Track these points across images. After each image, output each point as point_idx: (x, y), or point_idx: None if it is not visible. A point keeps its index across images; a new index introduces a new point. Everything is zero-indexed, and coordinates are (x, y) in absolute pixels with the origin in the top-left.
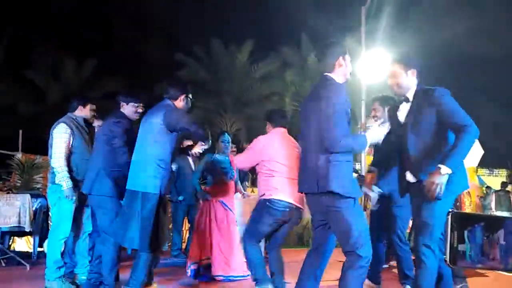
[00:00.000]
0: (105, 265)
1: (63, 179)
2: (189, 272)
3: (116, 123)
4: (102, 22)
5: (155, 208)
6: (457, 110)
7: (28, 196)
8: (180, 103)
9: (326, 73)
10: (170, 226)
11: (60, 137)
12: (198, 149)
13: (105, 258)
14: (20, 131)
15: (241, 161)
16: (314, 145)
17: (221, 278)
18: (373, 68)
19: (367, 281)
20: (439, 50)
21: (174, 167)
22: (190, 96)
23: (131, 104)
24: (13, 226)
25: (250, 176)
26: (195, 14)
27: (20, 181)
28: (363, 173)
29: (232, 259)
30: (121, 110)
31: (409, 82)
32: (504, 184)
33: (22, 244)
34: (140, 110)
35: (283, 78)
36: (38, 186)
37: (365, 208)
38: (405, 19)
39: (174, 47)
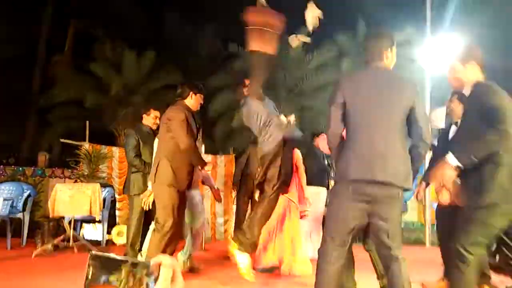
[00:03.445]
0: None
1: None
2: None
3: None
4: (156, 18)
5: None
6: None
7: (98, 185)
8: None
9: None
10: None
11: None
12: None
13: None
14: (87, 122)
15: None
16: (391, 131)
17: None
18: (439, 56)
19: None
20: None
21: None
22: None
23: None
24: (85, 215)
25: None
26: (247, 4)
27: (87, 170)
28: None
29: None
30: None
31: (468, 76)
32: None
33: (90, 230)
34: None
35: (339, 67)
36: (104, 175)
37: None
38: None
39: (227, 38)
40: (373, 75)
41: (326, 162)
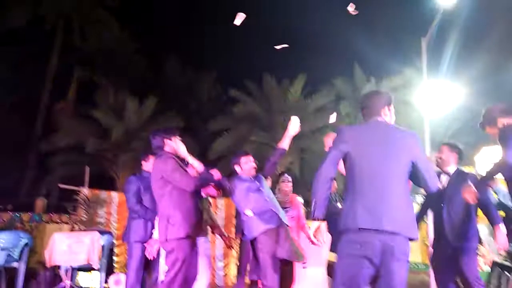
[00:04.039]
0: None
1: None
2: None
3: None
4: (157, 64)
5: None
6: None
7: (97, 233)
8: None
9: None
10: None
11: None
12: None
13: None
14: (87, 167)
15: None
16: (397, 182)
17: None
18: (435, 100)
19: None
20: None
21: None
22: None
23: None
24: (82, 264)
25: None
26: (246, 50)
27: (85, 216)
28: None
29: None
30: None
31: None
32: None
33: (85, 277)
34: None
35: (337, 110)
36: (102, 220)
37: None
38: (470, 50)
39: (227, 84)
40: (375, 127)
41: (339, 205)
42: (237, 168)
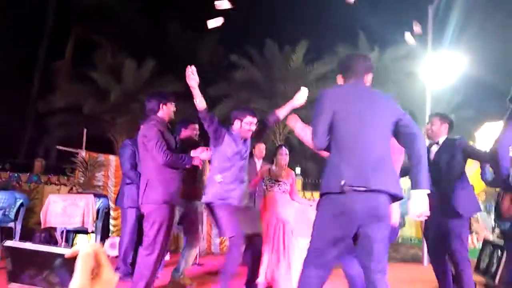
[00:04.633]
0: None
1: None
2: None
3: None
4: (157, 25)
5: None
6: None
7: (91, 196)
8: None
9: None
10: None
11: None
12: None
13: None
14: (84, 130)
15: None
16: (381, 142)
17: None
18: (439, 71)
19: None
20: None
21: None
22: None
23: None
24: (77, 226)
25: (302, 180)
26: (249, 15)
27: (82, 178)
28: None
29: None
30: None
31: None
32: None
33: (84, 241)
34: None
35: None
36: (100, 183)
37: None
38: (476, 20)
39: (228, 48)
40: (358, 89)
41: None
42: (236, 123)
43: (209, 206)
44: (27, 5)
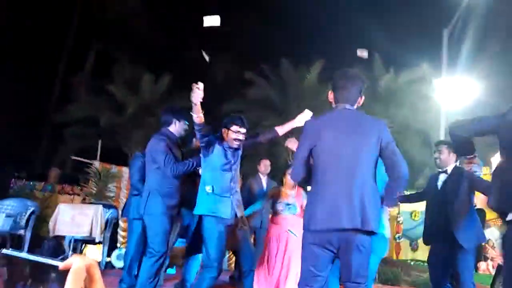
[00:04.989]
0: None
1: None
2: None
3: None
4: (176, 41)
5: None
6: None
7: (100, 207)
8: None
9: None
10: None
11: None
12: None
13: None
14: (99, 141)
15: None
16: (361, 174)
17: None
18: (453, 95)
19: None
20: None
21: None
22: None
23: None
24: (85, 236)
25: None
26: (265, 33)
27: (95, 189)
28: None
29: None
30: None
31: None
32: None
33: (94, 252)
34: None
35: None
36: (112, 195)
37: None
38: (491, 44)
39: (243, 66)
40: (343, 117)
41: None
42: (224, 132)
43: (199, 217)
44: (50, 20)
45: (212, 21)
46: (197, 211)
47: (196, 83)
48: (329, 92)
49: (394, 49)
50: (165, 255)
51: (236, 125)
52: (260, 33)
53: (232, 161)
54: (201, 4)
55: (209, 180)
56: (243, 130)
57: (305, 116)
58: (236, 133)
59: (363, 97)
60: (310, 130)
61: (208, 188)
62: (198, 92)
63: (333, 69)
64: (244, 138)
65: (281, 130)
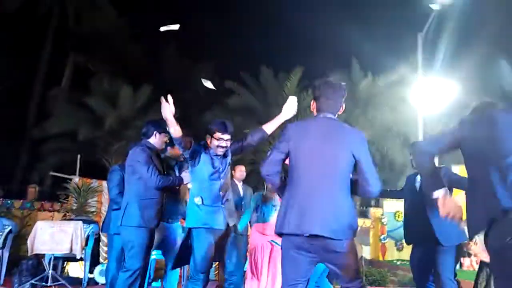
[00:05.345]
0: None
1: None
2: None
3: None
4: (153, 52)
5: None
6: None
7: (80, 223)
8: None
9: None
10: None
11: None
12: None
13: None
14: (78, 156)
15: None
16: (332, 181)
17: None
18: (430, 96)
19: None
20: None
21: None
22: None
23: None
24: (65, 253)
25: None
26: (244, 42)
27: (76, 204)
28: None
29: None
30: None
31: None
32: None
33: (76, 268)
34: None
35: None
36: (93, 209)
37: None
38: (465, 46)
39: (224, 75)
40: (321, 124)
41: None
42: (208, 139)
43: (189, 230)
44: (25, 33)
45: (170, 26)
46: (188, 223)
47: (166, 97)
48: (312, 101)
49: (372, 54)
50: (140, 271)
51: (219, 131)
52: (239, 41)
53: (221, 168)
54: (178, 15)
55: (197, 191)
56: (226, 137)
57: (290, 104)
58: (219, 140)
59: (344, 106)
60: (290, 133)
61: (197, 200)
62: (167, 106)
63: (313, 76)
64: (228, 145)
65: (269, 127)
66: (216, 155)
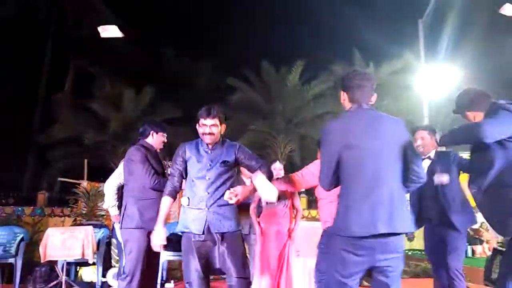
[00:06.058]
0: None
1: None
2: None
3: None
4: (153, 53)
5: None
6: None
7: (91, 228)
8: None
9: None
10: None
11: None
12: None
13: None
14: (85, 160)
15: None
16: (392, 177)
17: None
18: (435, 84)
19: None
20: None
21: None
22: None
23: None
24: (77, 259)
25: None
26: (244, 38)
27: (85, 209)
28: None
29: None
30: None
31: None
32: None
33: (89, 273)
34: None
35: (336, 96)
36: (103, 213)
37: None
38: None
39: (225, 72)
40: (365, 118)
41: None
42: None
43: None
44: (26, 40)
45: (110, 32)
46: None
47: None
48: (341, 93)
49: (373, 43)
50: (140, 276)
51: (201, 117)
52: (239, 37)
53: (209, 164)
54: (176, 16)
55: (185, 191)
56: (209, 122)
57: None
58: (202, 127)
59: (375, 96)
60: (332, 138)
61: (184, 201)
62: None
63: (314, 69)
64: (213, 131)
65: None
66: (207, 152)
